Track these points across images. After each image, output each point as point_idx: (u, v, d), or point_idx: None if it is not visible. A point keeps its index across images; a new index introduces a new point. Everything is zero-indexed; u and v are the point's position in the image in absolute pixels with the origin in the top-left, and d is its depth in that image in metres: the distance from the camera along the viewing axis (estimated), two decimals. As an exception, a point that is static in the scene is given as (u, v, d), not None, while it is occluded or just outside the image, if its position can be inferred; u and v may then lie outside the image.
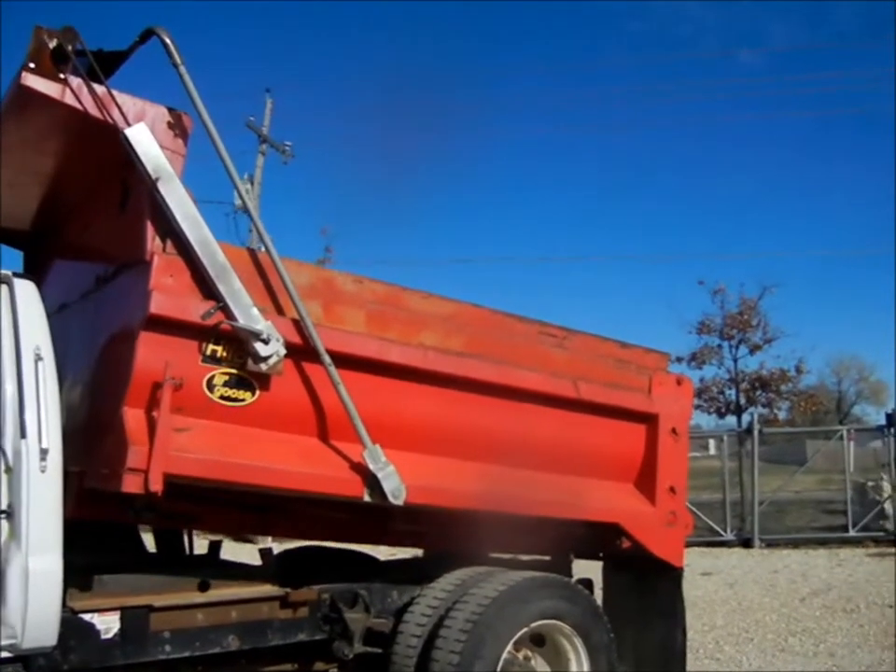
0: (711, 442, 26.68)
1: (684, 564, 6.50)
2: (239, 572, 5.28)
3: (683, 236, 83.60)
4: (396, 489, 4.89)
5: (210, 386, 4.55)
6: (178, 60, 4.52)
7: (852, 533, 17.90)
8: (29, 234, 6.19)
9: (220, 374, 4.57)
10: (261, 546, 7.90)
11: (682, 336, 25.49)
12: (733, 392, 24.86)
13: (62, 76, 4.36)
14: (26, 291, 4.51)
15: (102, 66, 4.45)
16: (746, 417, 23.01)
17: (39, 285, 5.85)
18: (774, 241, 75.89)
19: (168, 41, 4.51)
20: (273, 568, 5.21)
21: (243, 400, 4.64)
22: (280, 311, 4.76)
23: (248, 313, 4.52)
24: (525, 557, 6.68)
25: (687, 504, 6.62)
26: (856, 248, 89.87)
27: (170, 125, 4.53)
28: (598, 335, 6.32)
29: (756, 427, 19.47)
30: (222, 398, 4.58)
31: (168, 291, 4.44)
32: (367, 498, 4.89)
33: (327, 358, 4.72)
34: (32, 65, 4.31)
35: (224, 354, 4.58)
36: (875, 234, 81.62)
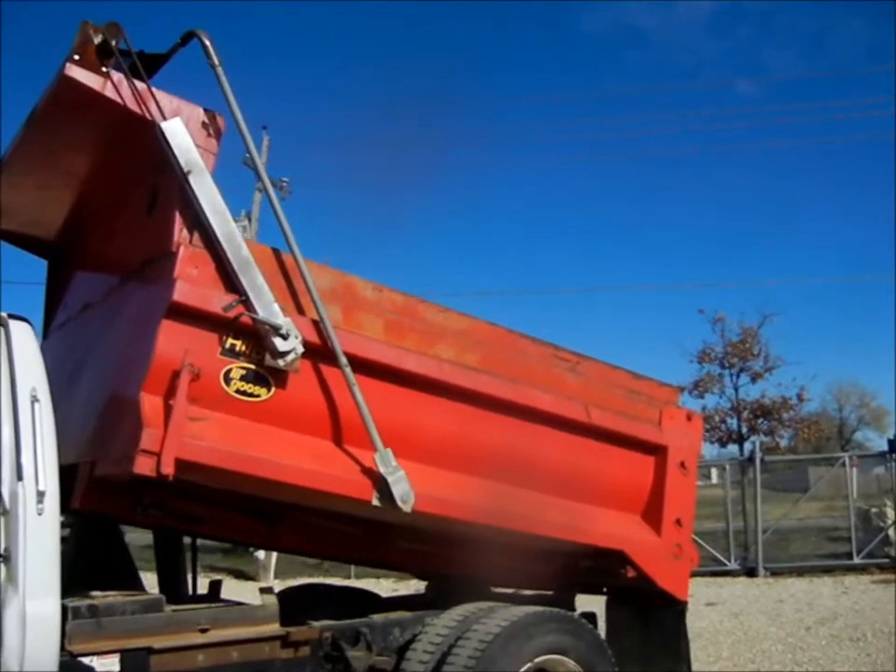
0: (713, 471, 26.59)
1: (688, 596, 6.44)
2: (239, 611, 5.23)
3: (682, 265, 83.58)
4: (405, 494, 4.89)
5: (227, 380, 4.61)
6: (216, 61, 4.66)
7: (857, 560, 17.80)
8: (54, 244, 6.26)
9: (238, 368, 4.64)
10: (262, 584, 7.86)
11: (683, 365, 25.41)
12: (734, 421, 24.79)
13: (104, 69, 4.49)
14: (22, 333, 4.52)
15: (144, 66, 4.59)
16: (748, 446, 22.92)
17: (62, 293, 5.91)
18: (773, 269, 75.92)
19: (208, 43, 4.65)
20: (273, 607, 5.15)
21: (258, 396, 4.68)
22: (300, 311, 4.84)
23: (269, 308, 4.60)
24: (528, 592, 6.65)
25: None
26: (855, 275, 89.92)
27: (204, 125, 4.67)
28: (610, 364, 6.34)
29: (758, 455, 19.43)
30: (238, 391, 4.63)
31: (192, 281, 4.53)
32: (375, 502, 4.89)
33: (343, 359, 4.77)
34: (76, 57, 4.45)
35: (243, 348, 4.65)
36: (874, 261, 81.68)
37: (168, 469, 4.28)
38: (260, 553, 19.80)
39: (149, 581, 5.89)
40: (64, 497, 4.56)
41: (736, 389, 24.69)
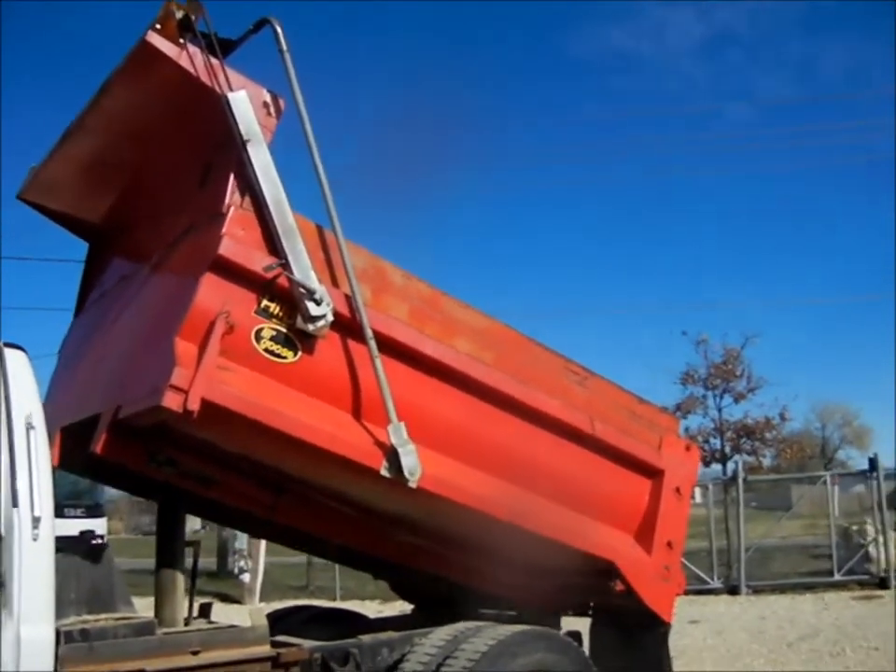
0: (697, 491, 26.66)
1: (672, 618, 6.52)
2: (230, 633, 5.28)
3: (666, 287, 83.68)
4: (413, 467, 5.02)
5: (258, 338, 4.81)
6: (285, 47, 4.91)
7: (837, 577, 17.94)
8: (98, 227, 6.40)
9: (269, 328, 4.84)
10: (252, 606, 7.90)
11: (666, 386, 25.47)
12: (718, 441, 24.92)
13: (182, 41, 4.76)
14: (17, 360, 4.57)
15: (220, 46, 4.85)
16: (731, 465, 23.04)
17: (99, 274, 6.20)
18: (756, 291, 76.36)
19: (279, 29, 4.90)
20: (263, 629, 5.22)
21: (285, 358, 4.88)
22: (334, 283, 5.06)
23: (307, 273, 4.82)
24: (514, 613, 6.71)
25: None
26: (838, 297, 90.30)
27: (265, 104, 4.93)
28: (617, 384, 6.51)
29: (741, 474, 19.57)
30: (266, 351, 4.83)
31: (238, 240, 4.75)
32: (384, 472, 5.03)
33: (369, 332, 4.97)
34: (158, 27, 4.71)
35: (277, 311, 4.87)
36: (858, 282, 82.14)
37: (194, 405, 4.46)
38: (245, 577, 19.81)
39: (141, 604, 5.94)
40: (85, 445, 4.84)
41: (720, 410, 24.85)
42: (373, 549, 6.51)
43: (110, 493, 23.87)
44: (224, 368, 4.67)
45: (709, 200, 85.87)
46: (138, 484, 5.97)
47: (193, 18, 4.77)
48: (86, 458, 5.06)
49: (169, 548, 5.63)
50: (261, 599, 18.85)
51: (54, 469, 4.68)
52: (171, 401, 4.45)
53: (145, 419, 4.81)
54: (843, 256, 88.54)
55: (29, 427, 4.40)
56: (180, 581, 5.57)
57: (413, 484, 5.05)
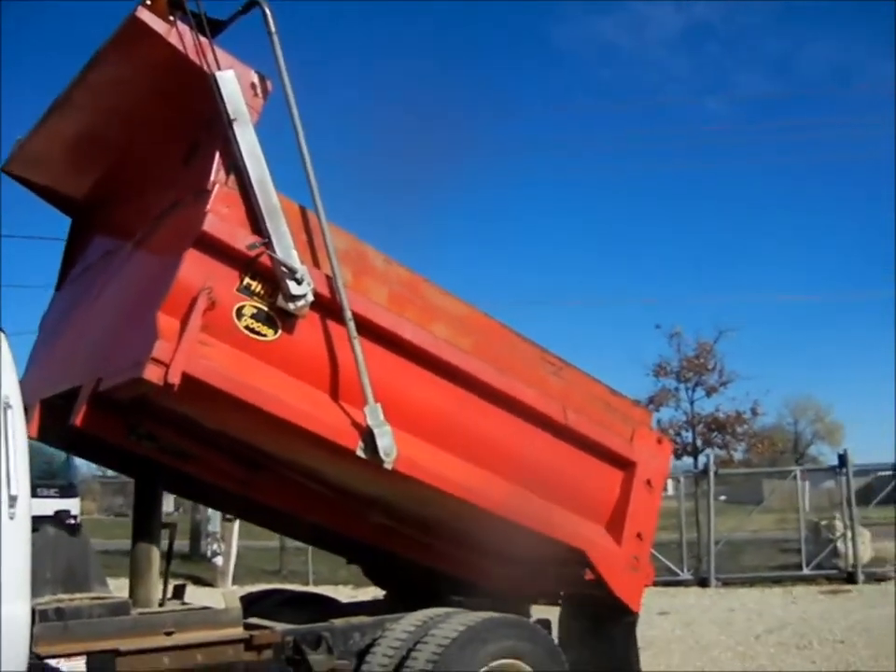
0: (668, 483, 26.86)
1: (640, 608, 6.60)
2: (204, 615, 5.34)
3: (642, 279, 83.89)
4: (388, 448, 5.10)
5: (239, 315, 4.87)
6: (273, 28, 4.96)
7: (806, 571, 18.19)
8: (81, 203, 6.42)
9: (250, 306, 4.90)
10: (224, 589, 7.93)
11: (639, 379, 25.50)
12: (689, 434, 25.04)
13: (171, 18, 4.78)
14: (-6, 342, 4.57)
15: (209, 25, 4.89)
16: (702, 458, 23.21)
17: (82, 249, 6.22)
18: (731, 285, 76.76)
19: (268, 11, 4.96)
20: (237, 611, 5.27)
21: (265, 336, 4.94)
22: (316, 264, 5.12)
23: (289, 252, 4.88)
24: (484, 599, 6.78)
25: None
26: (812, 293, 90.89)
27: (252, 85, 4.98)
28: (592, 376, 6.58)
29: (712, 468, 19.75)
30: (247, 328, 4.90)
31: (222, 217, 4.80)
32: (360, 452, 5.09)
33: (348, 313, 5.04)
34: (148, 3, 4.73)
35: (258, 289, 4.93)
36: (834, 279, 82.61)
37: (175, 379, 4.52)
38: (218, 560, 19.81)
39: (114, 585, 5.97)
40: (64, 418, 4.89)
41: (692, 403, 24.94)
42: (347, 529, 6.55)
43: (83, 473, 23.87)
44: (205, 343, 4.73)
45: (684, 194, 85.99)
46: (116, 459, 6.00)
47: None
48: (65, 431, 5.10)
49: (145, 527, 5.66)
50: (234, 583, 18.86)
51: (31, 443, 4.69)
52: (152, 374, 4.50)
53: (125, 392, 4.85)
54: (819, 252, 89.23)
55: (6, 406, 4.41)
56: (156, 561, 5.61)
57: (388, 465, 5.11)
